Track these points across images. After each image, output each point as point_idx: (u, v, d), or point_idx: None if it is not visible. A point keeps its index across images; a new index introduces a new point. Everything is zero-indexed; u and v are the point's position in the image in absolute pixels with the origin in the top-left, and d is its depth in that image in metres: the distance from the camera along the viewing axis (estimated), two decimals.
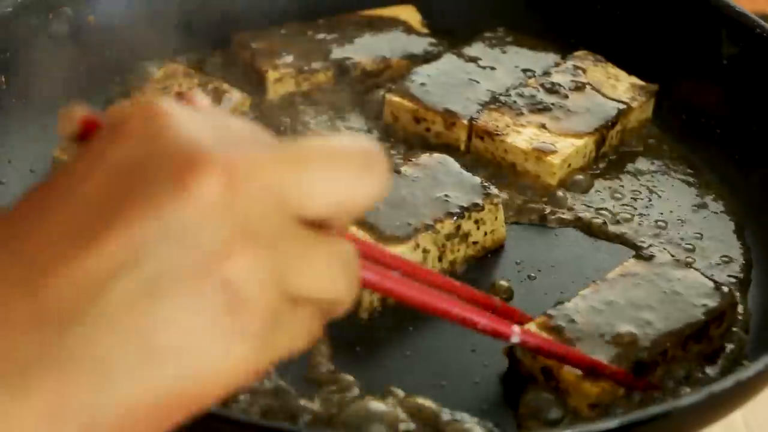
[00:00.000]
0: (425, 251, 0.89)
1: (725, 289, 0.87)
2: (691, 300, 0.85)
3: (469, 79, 1.07)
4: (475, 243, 0.92)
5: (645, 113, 1.08)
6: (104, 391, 0.45)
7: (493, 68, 1.09)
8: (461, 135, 1.02)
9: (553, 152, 0.99)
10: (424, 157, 0.95)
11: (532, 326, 0.83)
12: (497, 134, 1.00)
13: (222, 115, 0.52)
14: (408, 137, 1.04)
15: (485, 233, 0.93)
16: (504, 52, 1.12)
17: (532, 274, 0.93)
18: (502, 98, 1.04)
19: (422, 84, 1.06)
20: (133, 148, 0.48)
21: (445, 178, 0.93)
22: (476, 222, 0.92)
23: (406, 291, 0.65)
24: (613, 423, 0.74)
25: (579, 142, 1.01)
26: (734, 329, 0.88)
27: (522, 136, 1.01)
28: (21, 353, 0.44)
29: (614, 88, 1.07)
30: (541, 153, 0.99)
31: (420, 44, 1.13)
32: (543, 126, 1.02)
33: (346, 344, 0.86)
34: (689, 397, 0.75)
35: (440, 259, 0.90)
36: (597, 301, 0.85)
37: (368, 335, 0.87)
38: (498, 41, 1.13)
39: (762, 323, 0.90)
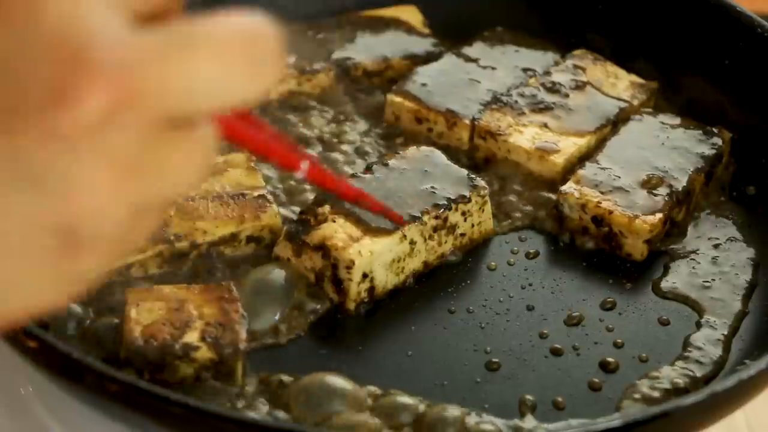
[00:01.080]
0: (412, 243, 0.89)
1: (715, 130, 1.01)
2: (693, 147, 1.00)
3: (470, 79, 1.07)
4: (462, 235, 0.93)
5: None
6: None
7: (493, 68, 1.09)
8: (463, 135, 1.02)
9: (556, 151, 0.99)
10: (412, 150, 0.96)
11: (571, 185, 0.94)
12: (500, 134, 1.01)
13: None
14: (410, 137, 1.04)
15: (472, 225, 0.93)
16: (503, 52, 1.12)
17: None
18: (503, 98, 1.04)
19: (423, 84, 1.06)
20: (14, 31, 0.41)
21: (432, 170, 0.94)
22: (463, 214, 0.92)
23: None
24: (615, 422, 0.75)
25: (581, 141, 1.01)
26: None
27: (524, 135, 1.01)
28: None
29: (614, 87, 1.07)
30: (544, 153, 0.99)
31: (421, 45, 1.13)
32: (545, 125, 1.02)
33: (344, 343, 0.86)
34: (692, 396, 0.75)
35: (427, 252, 0.91)
36: (616, 160, 0.97)
37: (364, 333, 0.87)
38: (497, 41, 1.13)
39: (764, 323, 0.91)
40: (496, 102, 1.04)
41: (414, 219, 0.89)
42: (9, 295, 0.44)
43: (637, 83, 1.08)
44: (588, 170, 0.96)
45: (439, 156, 0.95)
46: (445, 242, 0.92)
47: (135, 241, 0.46)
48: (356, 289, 0.87)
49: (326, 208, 0.89)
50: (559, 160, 0.99)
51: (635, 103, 1.06)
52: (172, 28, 0.44)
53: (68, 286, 0.44)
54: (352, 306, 0.87)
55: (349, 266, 0.85)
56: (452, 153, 1.00)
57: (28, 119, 0.40)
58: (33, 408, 0.87)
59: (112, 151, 0.42)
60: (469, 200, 0.92)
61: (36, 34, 0.41)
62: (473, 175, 0.94)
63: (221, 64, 0.43)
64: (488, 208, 0.94)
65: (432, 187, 0.92)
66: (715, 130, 1.02)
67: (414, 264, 0.90)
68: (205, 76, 0.43)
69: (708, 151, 1.00)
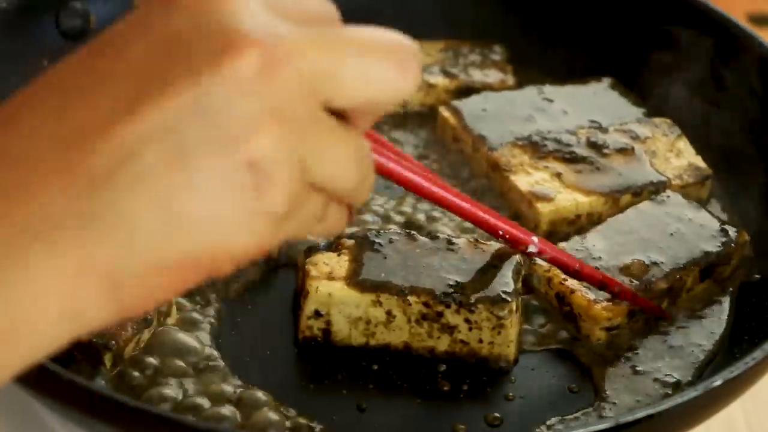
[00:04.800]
0: (390, 314, 0.85)
1: (733, 230, 0.95)
2: (699, 242, 0.94)
3: (530, 114, 1.06)
4: (463, 342, 0.86)
5: (696, 196, 1.02)
6: (128, 250, 0.48)
7: (564, 112, 1.07)
8: (483, 163, 1.02)
9: (548, 200, 0.97)
10: (495, 245, 0.89)
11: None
12: (505, 169, 1.00)
13: None
14: (446, 153, 1.05)
15: (480, 340, 0.85)
16: (588, 101, 1.09)
17: None
18: (533, 137, 1.03)
19: (483, 108, 1.06)
20: (181, 19, 0.49)
21: (488, 269, 0.87)
22: (467, 321, 0.84)
23: (425, 184, 0.76)
24: (607, 424, 0.73)
25: (582, 199, 0.97)
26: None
27: (530, 177, 0.99)
28: (54, 211, 0.47)
29: (667, 162, 1.02)
30: (534, 197, 0.97)
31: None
32: (558, 175, 0.99)
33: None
34: (679, 397, 0.74)
35: (411, 335, 0.86)
36: (610, 237, 0.94)
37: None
38: (595, 89, 1.11)
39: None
40: (524, 139, 1.02)
41: (397, 292, 0.85)
42: (204, 231, 0.49)
43: (694, 165, 1.03)
44: (570, 244, 0.92)
45: (511, 263, 0.88)
46: (439, 338, 0.86)
47: (327, 225, 0.55)
48: (306, 321, 0.86)
49: (350, 243, 0.88)
50: (544, 209, 0.96)
51: (676, 183, 1.01)
52: (323, 29, 0.51)
53: (262, 231, 0.50)
54: (300, 336, 0.87)
55: (305, 296, 0.86)
56: (472, 180, 1.02)
57: (200, 74, 0.48)
58: (33, 407, 0.89)
59: (277, 103, 0.49)
60: (474, 309, 0.85)
61: (204, 21, 0.49)
62: (509, 293, 0.85)
63: (370, 62, 0.51)
64: (508, 333, 0.85)
65: (456, 281, 0.86)
66: (733, 229, 0.95)
67: (390, 338, 0.86)
68: (355, 71, 0.51)
69: (713, 249, 0.94)
